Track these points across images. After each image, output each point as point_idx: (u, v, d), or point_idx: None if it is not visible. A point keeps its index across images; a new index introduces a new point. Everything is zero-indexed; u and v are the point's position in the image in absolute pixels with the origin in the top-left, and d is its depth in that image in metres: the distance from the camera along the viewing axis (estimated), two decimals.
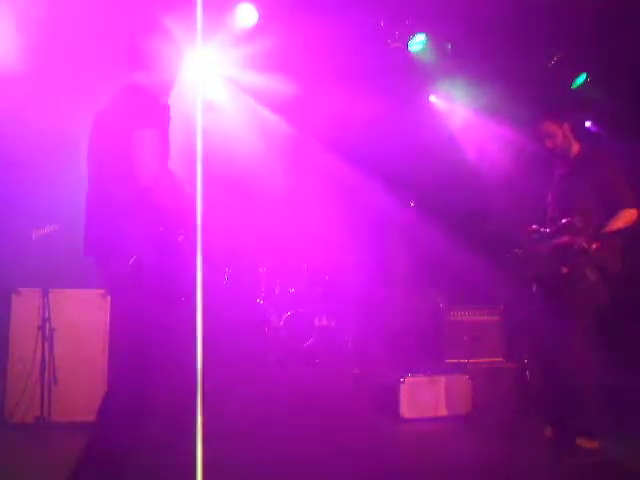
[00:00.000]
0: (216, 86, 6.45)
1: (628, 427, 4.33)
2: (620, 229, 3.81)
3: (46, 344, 4.49)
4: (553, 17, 5.71)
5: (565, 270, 3.85)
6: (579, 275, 3.80)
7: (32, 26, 5.14)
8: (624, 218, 3.82)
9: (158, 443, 3.86)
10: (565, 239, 3.85)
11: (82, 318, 4.54)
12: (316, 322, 6.25)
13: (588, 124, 7.52)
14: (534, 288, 4.15)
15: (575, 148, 4.12)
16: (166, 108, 2.91)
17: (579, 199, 3.95)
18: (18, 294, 4.58)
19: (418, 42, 6.39)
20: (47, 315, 4.52)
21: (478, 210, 6.44)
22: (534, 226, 4.04)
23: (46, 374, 4.46)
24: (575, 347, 3.82)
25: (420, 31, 6.33)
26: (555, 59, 6.55)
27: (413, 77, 6.82)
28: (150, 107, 2.81)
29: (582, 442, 3.84)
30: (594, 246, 3.76)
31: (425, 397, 4.78)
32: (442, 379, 4.88)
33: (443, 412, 4.81)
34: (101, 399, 2.83)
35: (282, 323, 6.14)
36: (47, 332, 4.50)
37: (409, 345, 5.89)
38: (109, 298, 3.03)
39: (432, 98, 7.48)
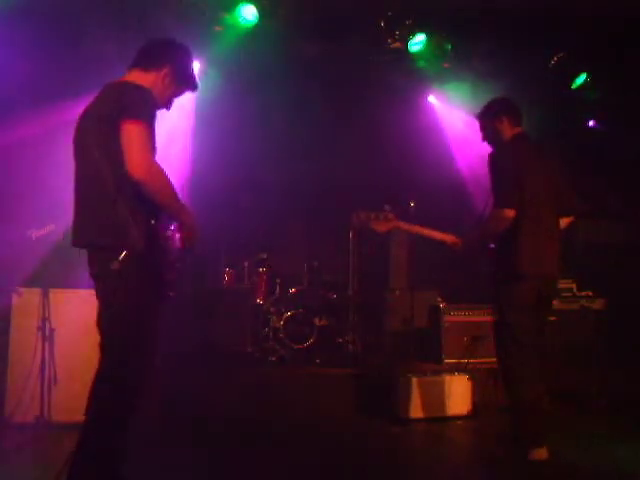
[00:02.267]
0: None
1: (628, 428, 4.33)
2: (484, 231, 3.83)
3: (46, 344, 4.49)
4: (553, 17, 5.71)
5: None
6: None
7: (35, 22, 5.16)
8: (491, 219, 3.73)
9: (153, 440, 3.88)
10: None
11: (82, 318, 4.50)
12: (316, 322, 6.25)
13: (591, 123, 7.54)
14: None
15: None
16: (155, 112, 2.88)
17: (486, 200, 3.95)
18: (18, 294, 4.58)
19: (418, 42, 6.40)
20: (47, 315, 4.52)
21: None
22: None
23: (46, 374, 4.46)
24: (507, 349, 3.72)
25: (420, 31, 6.33)
26: (555, 59, 6.55)
27: (413, 77, 6.83)
28: (150, 105, 2.80)
29: (534, 455, 3.57)
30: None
31: (425, 397, 4.77)
32: (442, 379, 4.87)
33: (443, 412, 4.80)
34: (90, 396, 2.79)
35: (282, 323, 6.14)
36: (47, 332, 4.50)
37: (409, 345, 5.89)
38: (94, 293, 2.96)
39: (431, 98, 7.49)
